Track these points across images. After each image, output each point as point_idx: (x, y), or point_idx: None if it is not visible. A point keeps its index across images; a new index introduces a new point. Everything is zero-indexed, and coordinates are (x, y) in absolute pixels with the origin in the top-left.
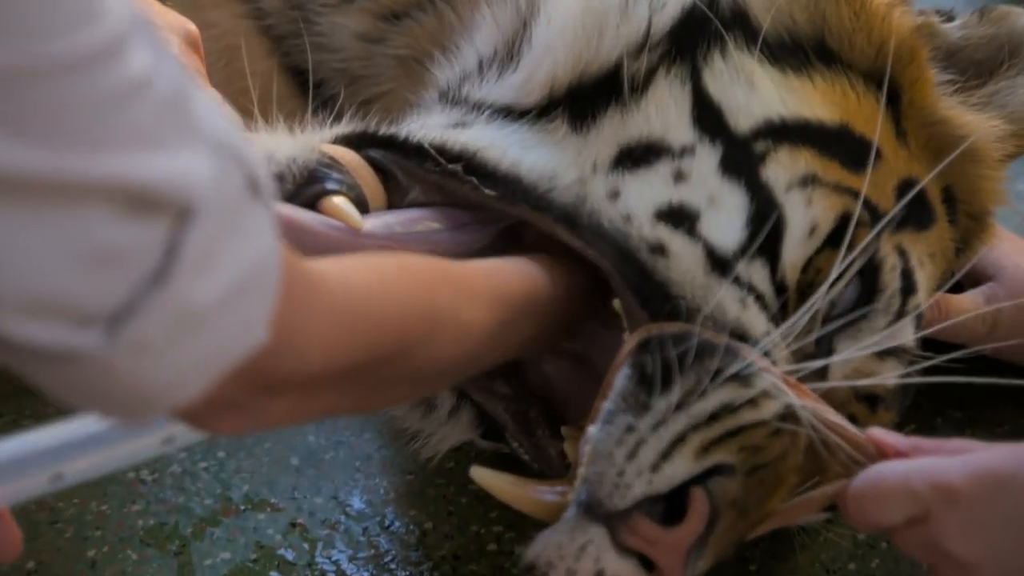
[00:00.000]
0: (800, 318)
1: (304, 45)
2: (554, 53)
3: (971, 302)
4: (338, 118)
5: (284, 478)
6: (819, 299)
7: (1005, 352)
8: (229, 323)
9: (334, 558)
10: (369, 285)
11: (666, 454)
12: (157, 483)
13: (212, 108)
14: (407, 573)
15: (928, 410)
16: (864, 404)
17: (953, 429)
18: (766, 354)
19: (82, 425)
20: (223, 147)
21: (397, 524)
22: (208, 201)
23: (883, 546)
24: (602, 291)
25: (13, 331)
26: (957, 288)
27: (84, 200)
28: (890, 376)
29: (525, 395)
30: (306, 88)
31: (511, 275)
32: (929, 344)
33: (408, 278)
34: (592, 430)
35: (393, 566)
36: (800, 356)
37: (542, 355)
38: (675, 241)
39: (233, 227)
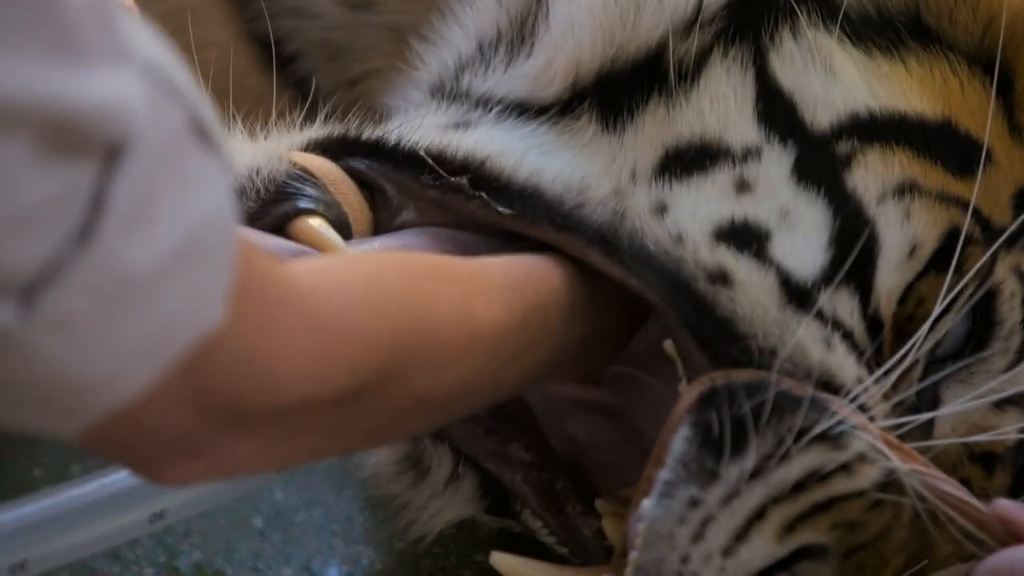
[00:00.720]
0: (900, 361)
1: (274, 8)
2: (579, 33)
3: None
4: (312, 111)
5: (244, 544)
6: (922, 336)
7: None
8: (174, 295)
9: None
10: (354, 292)
11: (742, 534)
12: None
13: (144, 32)
14: None
15: None
16: (979, 465)
17: None
18: (860, 407)
19: (51, 503)
20: (159, 76)
21: None
22: (142, 137)
23: None
24: (642, 325)
25: None
26: None
27: None
28: (1012, 430)
29: (548, 462)
30: (275, 61)
31: (532, 272)
32: None
33: (403, 281)
34: (646, 505)
35: None
36: (900, 409)
37: (567, 408)
38: (741, 267)
39: (173, 174)
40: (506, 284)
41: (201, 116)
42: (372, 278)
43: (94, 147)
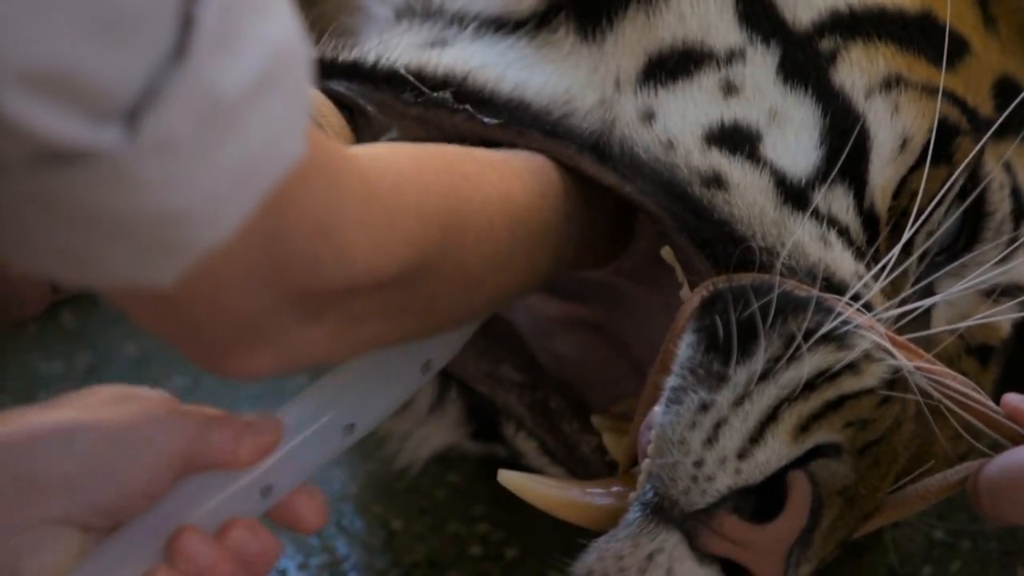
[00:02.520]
0: (896, 254)
1: None
2: None
3: None
4: None
5: None
6: (918, 224)
7: None
8: (262, 122)
9: (280, 566)
10: (405, 170)
11: (756, 436)
12: None
13: None
14: None
15: None
16: (974, 358)
17: None
18: (864, 306)
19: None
20: None
21: (358, 523)
22: None
23: (965, 546)
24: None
25: (22, 112)
26: None
27: None
28: (1006, 318)
29: (540, 381)
30: None
31: (542, 164)
32: None
33: (446, 163)
34: (656, 412)
35: (353, 575)
36: (894, 299)
37: (553, 327)
38: (735, 169)
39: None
40: (530, 169)
41: None
42: (418, 159)
43: None
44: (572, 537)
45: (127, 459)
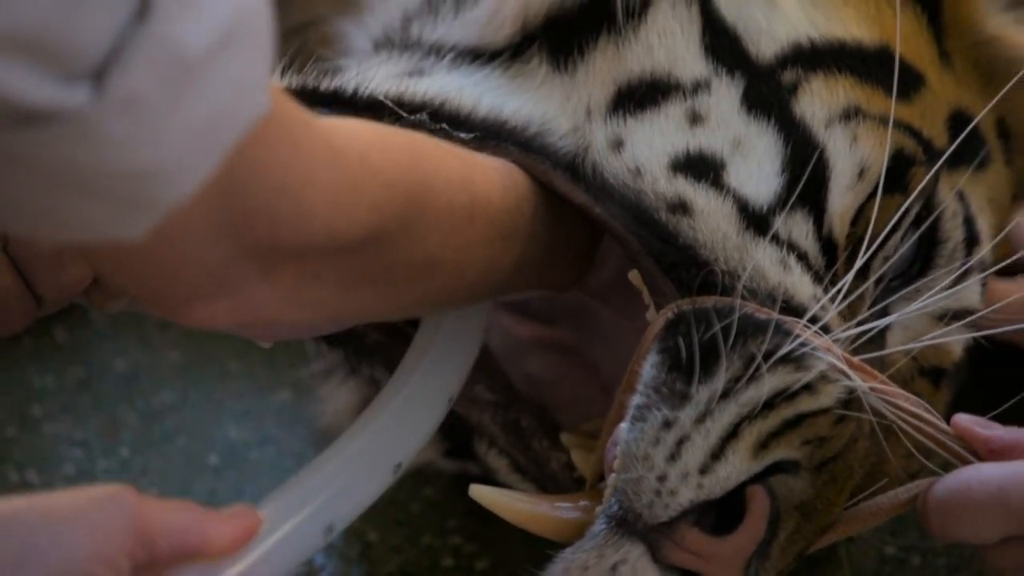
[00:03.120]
0: (854, 278)
1: None
2: None
3: (1021, 299)
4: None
5: (200, 481)
6: (873, 249)
7: None
8: (224, 79)
9: None
10: (371, 141)
11: (717, 452)
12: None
13: None
14: None
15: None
16: (927, 380)
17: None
18: (822, 328)
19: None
20: None
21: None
22: None
23: (915, 562)
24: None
25: None
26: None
27: None
28: (956, 339)
29: (514, 401)
30: None
31: (513, 170)
32: None
33: (411, 142)
34: (622, 428)
35: None
36: (854, 324)
37: (525, 348)
38: (699, 196)
39: None
40: (496, 168)
41: None
42: (383, 135)
43: None
44: (541, 550)
45: (66, 531)
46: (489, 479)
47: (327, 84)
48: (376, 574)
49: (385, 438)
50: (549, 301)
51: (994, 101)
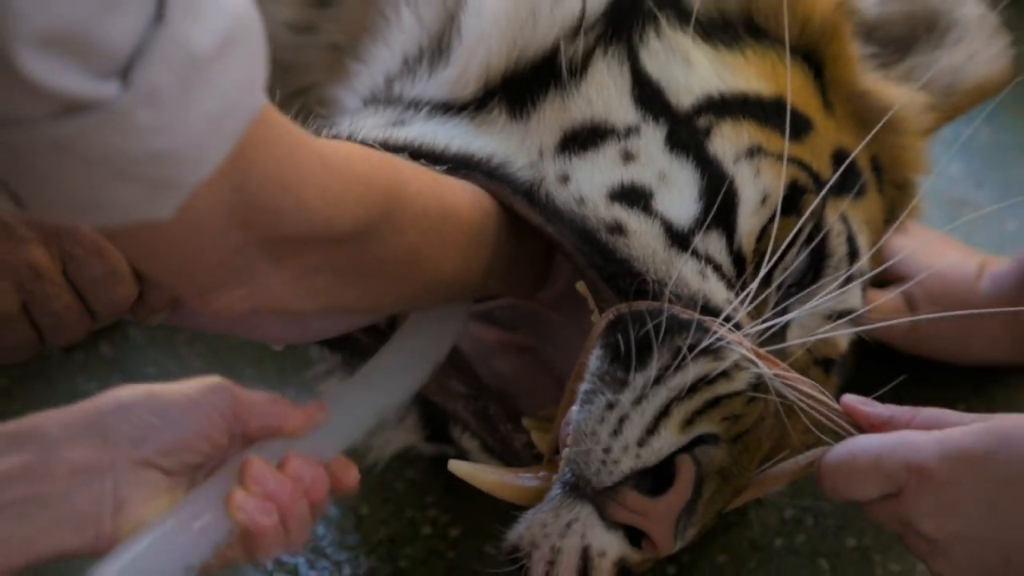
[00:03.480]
0: (758, 284)
1: None
2: (487, 43)
3: (892, 303)
4: None
5: None
6: (774, 260)
7: (922, 348)
8: (229, 75)
9: None
10: (352, 152)
11: (652, 428)
12: None
13: None
14: (343, 557)
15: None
16: (820, 368)
17: None
18: (735, 326)
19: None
20: None
21: (333, 510)
22: None
23: (808, 522)
24: (545, 272)
25: (40, 71)
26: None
27: None
28: (843, 334)
29: (482, 392)
30: None
31: (480, 192)
32: None
33: (386, 159)
34: (573, 411)
35: (329, 550)
36: (756, 320)
37: (492, 349)
38: (632, 220)
39: None
40: (463, 187)
41: None
42: (364, 150)
43: None
44: (505, 518)
45: (178, 414)
46: (463, 458)
47: (326, 134)
48: (368, 541)
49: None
50: (511, 310)
51: (866, 140)
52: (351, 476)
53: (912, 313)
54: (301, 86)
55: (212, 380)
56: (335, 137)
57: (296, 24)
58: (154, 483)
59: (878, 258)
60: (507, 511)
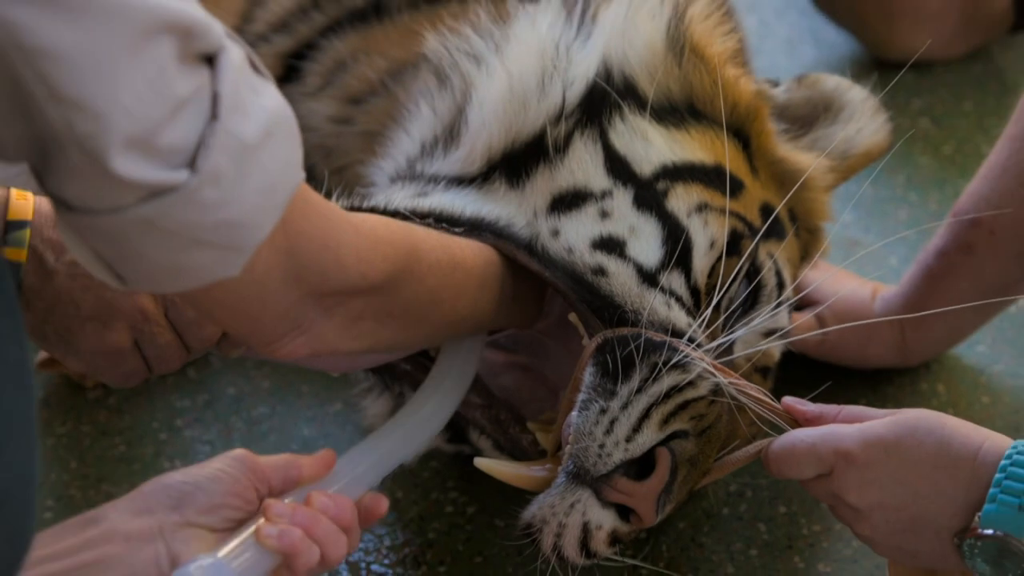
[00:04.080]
0: (709, 311)
1: None
2: (488, 129)
3: (807, 322)
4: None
5: None
6: (722, 297)
7: (830, 356)
8: (273, 158)
9: None
10: (373, 219)
11: (636, 427)
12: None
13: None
14: (383, 531)
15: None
16: (759, 374)
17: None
18: (697, 345)
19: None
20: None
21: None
22: (227, 50)
23: (748, 495)
24: (539, 306)
25: (126, 166)
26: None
27: (152, 33)
28: (775, 346)
29: (494, 402)
30: None
31: (483, 247)
32: None
33: (399, 223)
34: (573, 416)
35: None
36: (711, 340)
37: (499, 368)
38: (611, 264)
39: (247, 82)
40: (469, 244)
41: (252, 55)
42: (383, 218)
43: (205, 53)
44: (510, 498)
45: (206, 481)
46: (478, 456)
47: (366, 204)
48: (402, 519)
49: (407, 435)
50: (513, 336)
51: (787, 198)
52: (381, 507)
53: (822, 329)
54: (341, 165)
55: (233, 452)
56: (373, 208)
57: (336, 117)
58: (201, 538)
59: (797, 288)
60: (511, 492)
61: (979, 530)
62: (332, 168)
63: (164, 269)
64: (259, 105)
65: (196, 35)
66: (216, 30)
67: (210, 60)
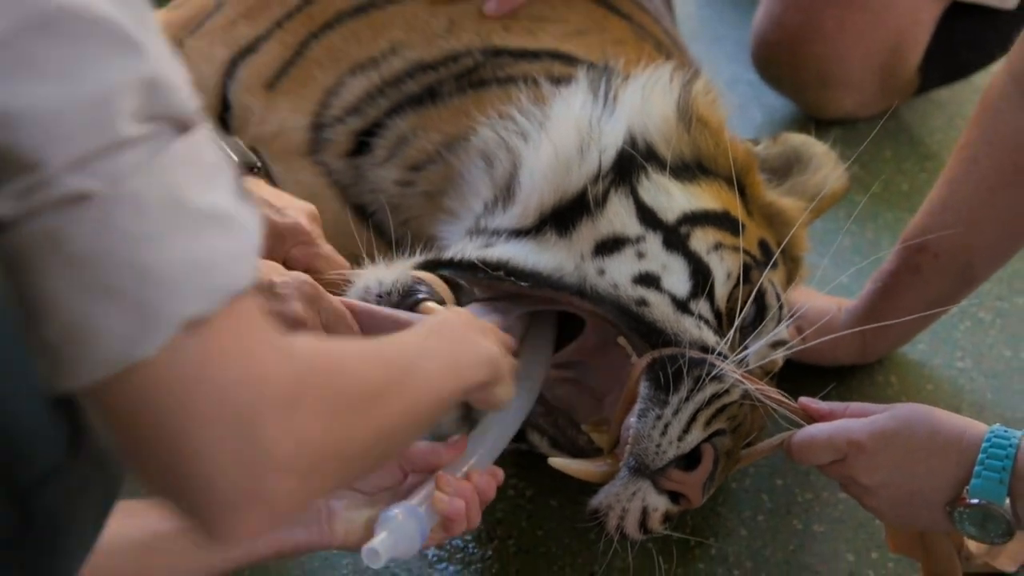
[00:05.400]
0: (732, 331)
1: (360, 189)
2: (540, 189)
3: (789, 331)
4: (389, 243)
5: None
6: (741, 315)
7: (806, 358)
8: (216, 239)
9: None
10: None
11: (686, 429)
12: None
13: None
14: None
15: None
16: (768, 379)
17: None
18: (724, 358)
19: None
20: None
21: None
22: (199, 126)
23: (751, 471)
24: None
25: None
26: None
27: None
28: (779, 356)
29: (552, 409)
30: (364, 216)
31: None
32: None
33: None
34: (632, 421)
35: None
36: (733, 352)
37: (554, 383)
38: (650, 295)
39: (206, 172)
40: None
41: (240, 179)
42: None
43: (172, 118)
44: (563, 485)
45: None
46: (536, 454)
47: (443, 256)
48: None
49: (505, 427)
50: (560, 357)
51: (785, 240)
52: (500, 477)
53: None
54: (405, 219)
55: None
56: (451, 259)
57: (400, 181)
58: (352, 497)
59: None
60: (558, 477)
61: (967, 500)
62: (398, 222)
63: (67, 328)
64: (215, 188)
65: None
66: (192, 104)
67: (180, 127)
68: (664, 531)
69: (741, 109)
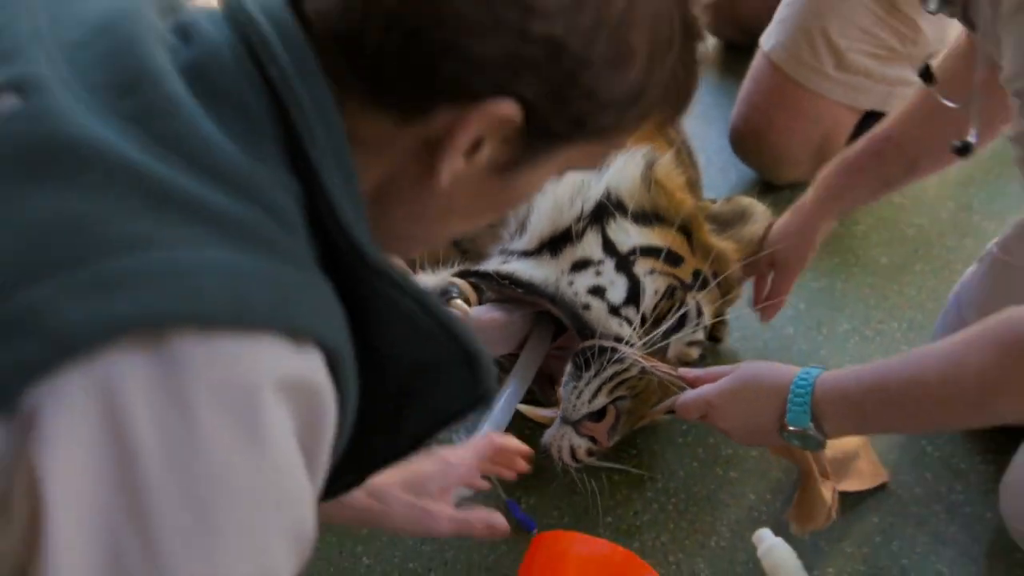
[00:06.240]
0: (658, 333)
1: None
2: (542, 225)
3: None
4: (461, 251)
5: None
6: (667, 323)
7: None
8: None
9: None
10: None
11: (594, 394)
12: None
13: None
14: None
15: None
16: (685, 366)
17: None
18: (631, 345)
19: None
20: None
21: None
22: None
23: (692, 430)
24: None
25: None
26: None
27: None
28: (695, 353)
29: (540, 374)
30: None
31: None
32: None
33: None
34: (560, 389)
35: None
36: (653, 348)
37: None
38: (594, 302)
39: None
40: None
41: None
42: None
43: None
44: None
45: (428, 480)
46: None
47: (482, 268)
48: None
49: (517, 387)
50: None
51: (715, 282)
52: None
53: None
54: (472, 238)
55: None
56: (478, 270)
57: None
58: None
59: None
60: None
61: (788, 427)
62: (467, 238)
63: None
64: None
65: None
66: None
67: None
68: (593, 462)
69: (723, 171)
